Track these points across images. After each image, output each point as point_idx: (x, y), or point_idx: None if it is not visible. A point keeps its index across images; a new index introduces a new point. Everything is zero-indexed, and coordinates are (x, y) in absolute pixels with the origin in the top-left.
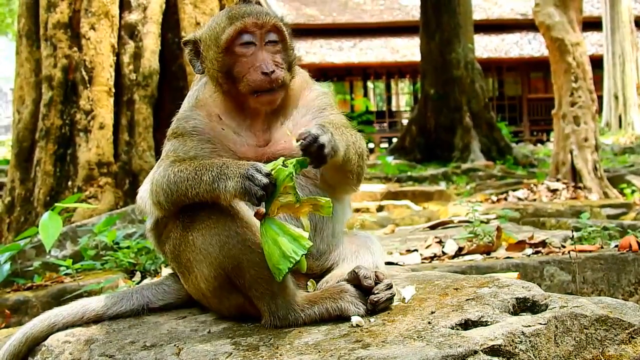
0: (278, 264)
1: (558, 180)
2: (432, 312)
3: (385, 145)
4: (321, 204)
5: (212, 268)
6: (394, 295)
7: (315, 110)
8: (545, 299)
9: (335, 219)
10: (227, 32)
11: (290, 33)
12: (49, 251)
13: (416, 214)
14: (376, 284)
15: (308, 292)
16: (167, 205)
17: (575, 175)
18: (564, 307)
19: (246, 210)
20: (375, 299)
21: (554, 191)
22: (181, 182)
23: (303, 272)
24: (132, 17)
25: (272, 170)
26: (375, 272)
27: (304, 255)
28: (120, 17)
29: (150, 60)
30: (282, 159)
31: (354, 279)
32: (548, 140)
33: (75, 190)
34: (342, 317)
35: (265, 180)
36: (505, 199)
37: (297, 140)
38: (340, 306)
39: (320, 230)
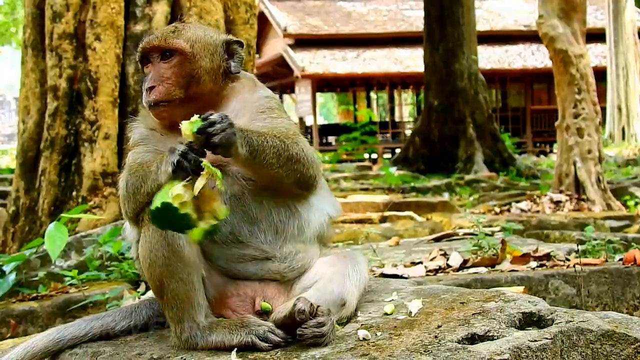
0: (152, 201)
1: (561, 192)
2: (439, 326)
3: (389, 155)
4: (219, 211)
5: (150, 282)
6: (325, 334)
7: (253, 112)
8: (552, 313)
9: (299, 216)
10: (137, 59)
11: (212, 45)
12: (55, 261)
13: (420, 225)
14: (313, 318)
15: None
16: (131, 213)
17: (578, 187)
18: (570, 321)
19: (177, 234)
20: (299, 333)
21: (557, 203)
22: (131, 184)
23: (195, 238)
24: (138, 27)
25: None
26: (318, 307)
27: (183, 220)
28: (126, 28)
29: None
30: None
31: (292, 312)
32: (551, 151)
33: (80, 200)
34: (233, 347)
35: (194, 156)
36: (509, 210)
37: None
38: (230, 339)
39: (282, 231)
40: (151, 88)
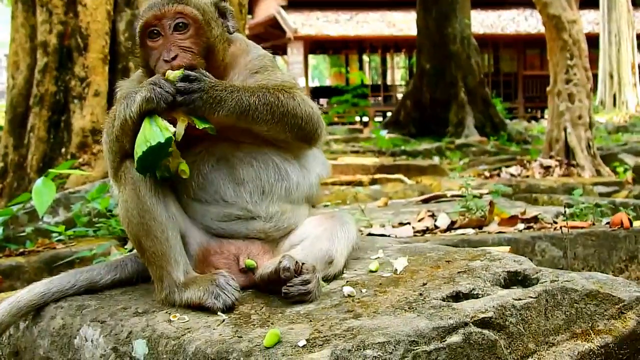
0: (137, 148)
1: (551, 157)
2: (424, 284)
3: (380, 119)
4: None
5: (130, 239)
6: (311, 292)
7: (247, 73)
8: (536, 273)
9: (288, 178)
10: (137, 30)
11: (214, 11)
12: (42, 217)
13: (409, 188)
14: (298, 275)
15: (241, 268)
16: (112, 164)
17: (568, 152)
18: (555, 281)
19: (149, 192)
20: (285, 291)
21: (547, 168)
22: (110, 128)
23: (183, 175)
24: None
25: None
26: (302, 264)
27: (166, 147)
28: None
29: None
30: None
31: (277, 268)
32: (542, 117)
33: (69, 157)
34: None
35: (172, 88)
36: (499, 175)
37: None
38: (201, 296)
39: (269, 192)
40: (174, 57)
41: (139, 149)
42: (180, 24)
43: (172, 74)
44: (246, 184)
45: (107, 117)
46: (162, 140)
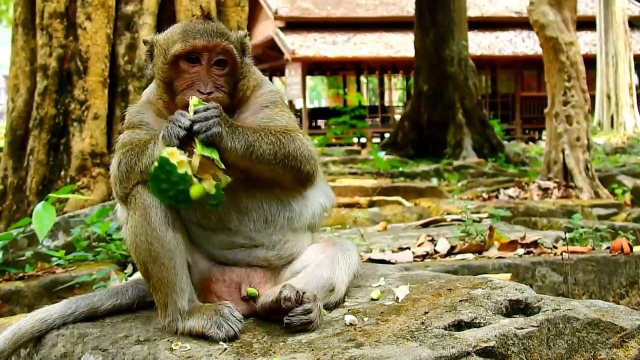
0: (156, 185)
1: (549, 179)
2: (426, 313)
3: (377, 140)
4: (219, 176)
5: (137, 265)
6: (313, 321)
7: (257, 107)
8: (538, 301)
9: (291, 209)
10: (176, 48)
11: (244, 51)
12: (42, 241)
13: (407, 211)
14: (299, 305)
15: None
16: (121, 193)
17: (566, 174)
18: (557, 309)
19: (159, 219)
20: (286, 321)
21: (545, 190)
22: (125, 163)
23: (194, 198)
24: (129, 8)
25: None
26: (303, 293)
27: (184, 184)
28: (117, 8)
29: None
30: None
31: (278, 298)
32: (540, 138)
33: (68, 180)
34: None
35: (187, 122)
36: (497, 196)
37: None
38: (204, 325)
39: (271, 221)
40: (209, 93)
41: (160, 185)
42: (221, 59)
43: (193, 102)
44: (250, 212)
45: (117, 142)
46: (183, 172)
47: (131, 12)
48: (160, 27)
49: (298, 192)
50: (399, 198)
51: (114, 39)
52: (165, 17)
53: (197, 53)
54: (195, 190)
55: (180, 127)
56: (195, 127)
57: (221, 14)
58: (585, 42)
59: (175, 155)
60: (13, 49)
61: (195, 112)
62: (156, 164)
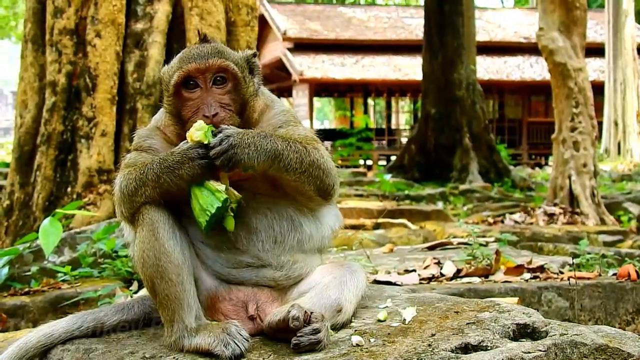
0: (198, 217)
1: (555, 204)
2: (433, 335)
3: (384, 162)
4: (231, 194)
5: (144, 281)
6: (321, 341)
7: (271, 128)
8: (546, 325)
9: (301, 230)
10: (174, 78)
11: (252, 70)
12: (48, 257)
13: (413, 234)
14: (307, 324)
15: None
16: (126, 213)
17: (572, 200)
18: (564, 334)
19: (167, 234)
20: (295, 342)
21: (550, 215)
22: (131, 185)
23: (230, 230)
24: (138, 26)
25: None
26: (311, 313)
27: (224, 209)
28: (127, 26)
29: (155, 69)
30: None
31: (285, 317)
32: (546, 164)
33: (75, 196)
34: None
35: (200, 152)
36: (502, 221)
37: (213, 134)
38: (210, 342)
39: (281, 242)
40: (215, 115)
41: (201, 218)
42: (219, 78)
43: (198, 135)
44: (259, 232)
45: (123, 161)
46: (220, 205)
47: (141, 30)
48: (169, 45)
49: (313, 210)
50: (404, 221)
51: (123, 56)
52: (175, 35)
53: (193, 78)
54: (230, 224)
55: (205, 158)
56: (218, 163)
57: (231, 34)
58: (594, 68)
59: (221, 193)
60: (22, 65)
61: (211, 147)
62: (212, 209)
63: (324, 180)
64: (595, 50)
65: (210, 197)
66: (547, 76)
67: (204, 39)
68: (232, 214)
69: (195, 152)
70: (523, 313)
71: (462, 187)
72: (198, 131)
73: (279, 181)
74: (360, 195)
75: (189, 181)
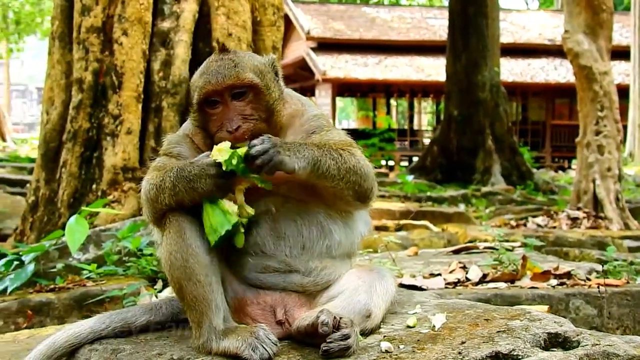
0: (208, 235)
1: (579, 208)
2: (463, 342)
3: (405, 163)
4: (244, 209)
5: (171, 284)
6: (351, 346)
7: (304, 134)
8: (577, 335)
9: (331, 237)
10: (195, 98)
11: (268, 72)
12: (73, 254)
13: (435, 236)
14: (337, 330)
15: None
16: (151, 217)
17: (596, 204)
18: (596, 345)
19: (195, 236)
20: (324, 348)
21: (574, 219)
22: (153, 191)
23: (239, 247)
24: (165, 24)
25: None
26: (340, 319)
27: (234, 230)
28: (153, 24)
29: (181, 68)
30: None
31: (314, 322)
32: (570, 167)
33: (100, 193)
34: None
35: (216, 170)
36: (525, 224)
37: (249, 147)
38: (239, 346)
39: (309, 248)
40: (237, 129)
41: (211, 237)
42: (239, 93)
43: (220, 158)
44: (287, 238)
45: (152, 164)
46: (229, 228)
47: (167, 28)
48: (195, 44)
49: (346, 215)
50: (426, 222)
51: (149, 54)
52: (201, 34)
53: (212, 96)
54: (239, 241)
55: (222, 178)
56: (258, 162)
57: (257, 34)
58: (619, 71)
59: (233, 213)
60: (49, 62)
61: (250, 147)
62: (222, 231)
63: (362, 185)
64: (620, 53)
65: (221, 217)
66: (572, 79)
67: (222, 48)
68: (242, 230)
69: (215, 170)
70: (554, 322)
71: (485, 189)
72: (220, 153)
73: (316, 187)
74: (382, 196)
75: (203, 195)
